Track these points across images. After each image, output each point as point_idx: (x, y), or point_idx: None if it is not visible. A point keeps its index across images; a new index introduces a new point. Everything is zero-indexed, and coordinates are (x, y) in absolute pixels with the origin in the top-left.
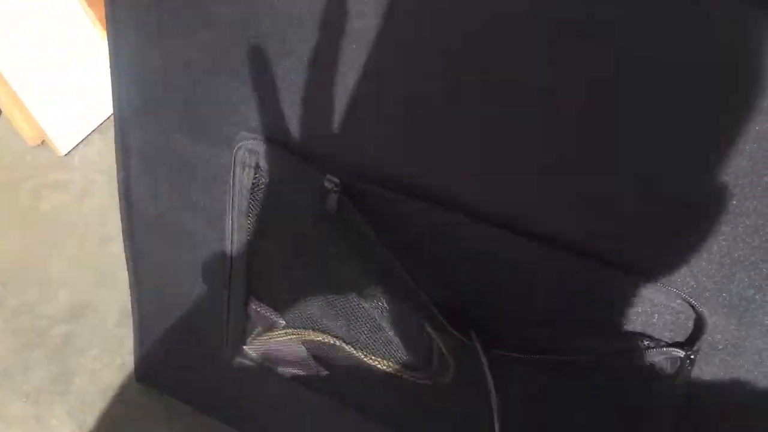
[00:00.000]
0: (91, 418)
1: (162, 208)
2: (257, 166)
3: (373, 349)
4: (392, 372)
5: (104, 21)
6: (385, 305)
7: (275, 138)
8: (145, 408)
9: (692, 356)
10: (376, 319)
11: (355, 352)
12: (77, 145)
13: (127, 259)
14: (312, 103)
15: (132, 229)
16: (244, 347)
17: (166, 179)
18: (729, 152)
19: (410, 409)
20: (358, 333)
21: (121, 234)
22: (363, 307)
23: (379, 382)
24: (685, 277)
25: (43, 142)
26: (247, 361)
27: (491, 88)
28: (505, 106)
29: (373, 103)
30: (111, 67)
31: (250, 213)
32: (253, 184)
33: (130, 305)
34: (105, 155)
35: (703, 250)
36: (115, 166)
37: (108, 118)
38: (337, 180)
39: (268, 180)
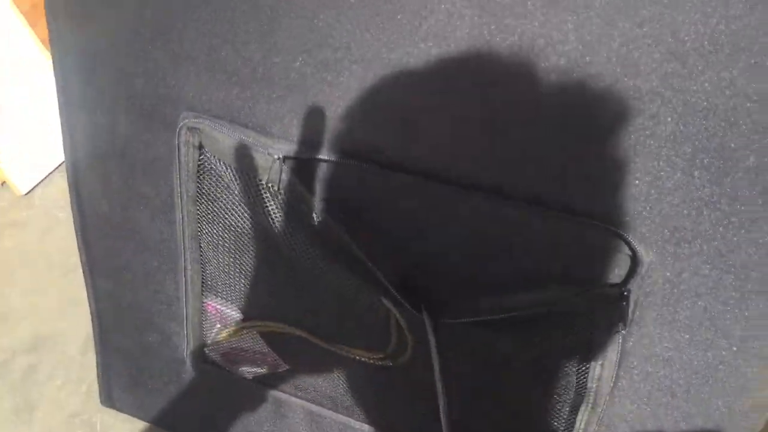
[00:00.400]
0: None
1: (113, 204)
2: (200, 146)
3: (331, 334)
4: (352, 357)
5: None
6: (339, 284)
7: (216, 113)
8: (110, 431)
9: (626, 293)
10: (332, 302)
11: (313, 338)
12: (37, 184)
13: (82, 265)
14: (250, 76)
15: (85, 232)
16: (205, 349)
17: (114, 171)
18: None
19: (372, 395)
20: (316, 318)
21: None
22: (318, 289)
23: (340, 371)
24: (618, 214)
25: (2, 183)
26: (209, 366)
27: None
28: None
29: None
30: (53, 56)
31: (198, 199)
32: (198, 165)
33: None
34: (66, 193)
35: (631, 184)
36: None
37: None
38: (279, 153)
39: (212, 160)
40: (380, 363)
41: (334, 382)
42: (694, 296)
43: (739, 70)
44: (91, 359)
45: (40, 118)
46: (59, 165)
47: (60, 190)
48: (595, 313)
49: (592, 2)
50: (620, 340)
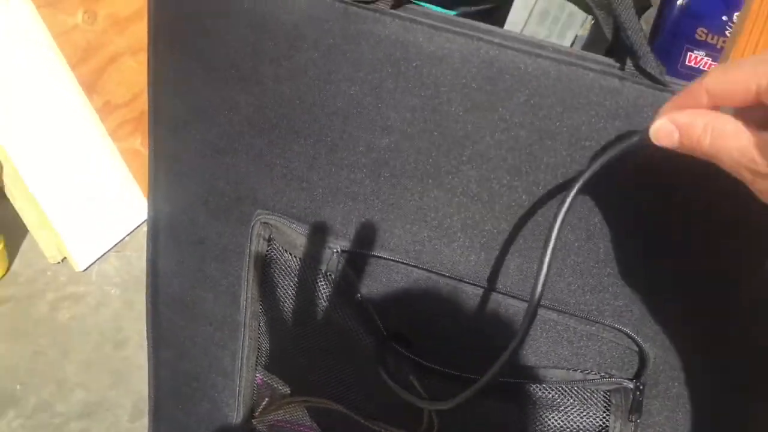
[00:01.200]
0: None
1: (184, 284)
2: (270, 239)
3: (370, 410)
4: None
5: (114, 135)
6: (379, 367)
7: (287, 212)
8: None
9: (641, 387)
10: (371, 380)
11: (354, 415)
12: (94, 262)
13: (148, 339)
14: (322, 181)
15: (156, 306)
16: (253, 421)
17: (189, 255)
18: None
19: None
20: (357, 395)
21: (134, 339)
22: (359, 368)
23: None
24: (622, 311)
25: (63, 260)
26: None
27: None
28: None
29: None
30: (149, 149)
31: (263, 283)
32: (266, 255)
33: (142, 404)
34: (120, 271)
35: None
36: (130, 280)
37: (123, 238)
38: (337, 247)
39: (279, 251)
40: None
41: None
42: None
43: None
44: (139, 427)
45: (101, 201)
46: (115, 245)
47: (114, 268)
48: (611, 400)
49: None
50: (633, 429)
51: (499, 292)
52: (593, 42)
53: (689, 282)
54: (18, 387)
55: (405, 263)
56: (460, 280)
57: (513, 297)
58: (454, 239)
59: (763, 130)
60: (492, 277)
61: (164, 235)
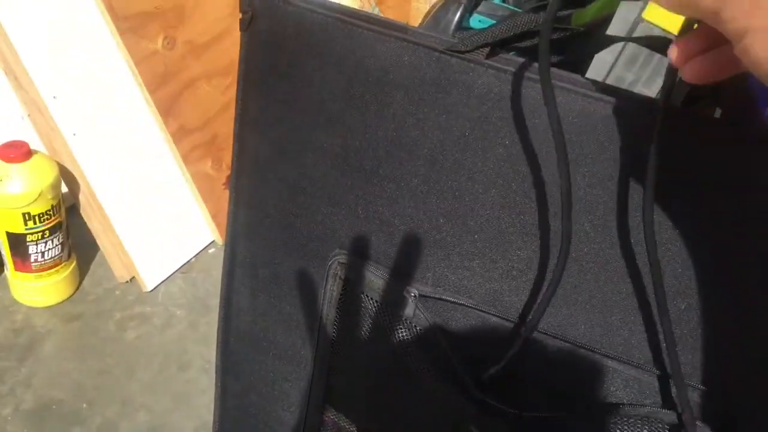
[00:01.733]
0: None
1: (256, 319)
2: (346, 279)
3: None
4: None
5: (186, 159)
6: (444, 407)
7: (364, 253)
8: None
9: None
10: (440, 425)
11: None
12: (161, 282)
13: (216, 369)
14: (404, 225)
15: (227, 338)
16: None
17: (264, 290)
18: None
19: None
20: None
21: (197, 362)
22: (427, 412)
23: None
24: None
25: (131, 279)
26: None
27: None
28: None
29: (448, 229)
30: (231, 185)
31: (335, 323)
32: (341, 295)
33: (204, 430)
34: (186, 292)
35: None
36: (195, 302)
37: (189, 261)
38: (415, 291)
39: (354, 291)
40: None
41: None
42: None
43: None
44: None
45: (171, 224)
46: (182, 266)
47: (180, 289)
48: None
49: None
50: None
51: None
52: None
53: None
54: (84, 405)
55: (486, 311)
56: (540, 331)
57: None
58: (539, 289)
59: None
60: (566, 329)
61: (240, 270)
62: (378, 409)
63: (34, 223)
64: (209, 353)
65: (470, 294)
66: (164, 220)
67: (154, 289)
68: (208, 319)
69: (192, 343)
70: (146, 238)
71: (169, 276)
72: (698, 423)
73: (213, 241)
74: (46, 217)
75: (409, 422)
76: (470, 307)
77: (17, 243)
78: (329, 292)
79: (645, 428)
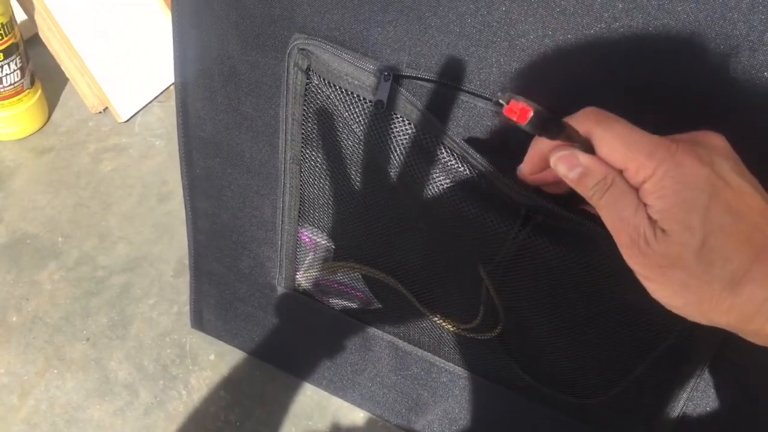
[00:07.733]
0: (148, 361)
1: (217, 126)
2: (309, 69)
3: (422, 292)
4: (439, 322)
5: None
6: (443, 242)
7: (328, 37)
8: (196, 353)
9: None
10: (429, 257)
11: (408, 295)
12: (137, 112)
13: (183, 188)
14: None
15: (189, 149)
16: (297, 276)
17: (221, 91)
18: None
19: (460, 348)
20: (410, 271)
21: (178, 193)
22: (417, 238)
23: (430, 327)
24: None
25: (105, 110)
26: (299, 294)
27: None
28: None
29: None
30: None
31: (302, 122)
32: (305, 88)
33: (187, 259)
34: (164, 122)
35: None
36: (175, 132)
37: (167, 88)
38: (388, 70)
39: (322, 83)
40: (466, 335)
41: (423, 331)
42: None
43: None
44: (182, 283)
45: (143, 48)
46: (158, 95)
47: (158, 119)
48: None
49: None
50: None
51: None
52: None
53: None
54: (60, 239)
55: (476, 94)
56: None
57: None
58: None
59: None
60: None
61: (193, 68)
62: (362, 232)
63: None
64: None
65: (455, 75)
66: (137, 44)
67: (130, 119)
68: None
69: (172, 173)
70: (118, 65)
71: (146, 105)
72: None
73: None
74: None
75: (390, 231)
76: (454, 87)
77: None
78: (292, 85)
79: None
